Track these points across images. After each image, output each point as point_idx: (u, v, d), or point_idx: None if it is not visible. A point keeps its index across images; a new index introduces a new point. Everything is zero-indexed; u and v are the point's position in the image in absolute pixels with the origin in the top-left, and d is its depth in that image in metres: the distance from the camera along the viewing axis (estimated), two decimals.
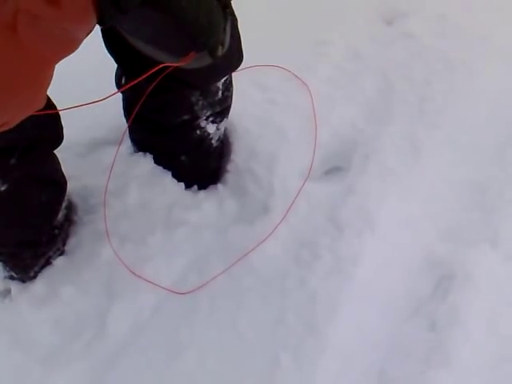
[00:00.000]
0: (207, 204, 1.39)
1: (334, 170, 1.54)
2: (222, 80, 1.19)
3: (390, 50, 1.69)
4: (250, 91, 1.53)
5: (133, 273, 1.25)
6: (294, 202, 1.36)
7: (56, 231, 1.28)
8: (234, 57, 1.12)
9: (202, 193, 1.41)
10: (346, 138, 1.51)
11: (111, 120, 1.43)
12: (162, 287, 1.25)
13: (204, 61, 0.96)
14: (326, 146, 1.50)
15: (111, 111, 1.37)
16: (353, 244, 1.29)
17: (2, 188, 1.08)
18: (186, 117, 1.22)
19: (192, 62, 0.92)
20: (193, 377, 1.17)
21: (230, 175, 1.45)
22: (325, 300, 1.23)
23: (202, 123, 1.26)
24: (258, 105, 1.52)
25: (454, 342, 1.19)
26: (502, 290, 1.27)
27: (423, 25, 1.76)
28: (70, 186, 1.28)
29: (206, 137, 1.30)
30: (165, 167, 1.37)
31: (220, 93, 1.22)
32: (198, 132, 1.28)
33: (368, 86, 1.61)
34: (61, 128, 1.16)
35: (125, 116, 1.30)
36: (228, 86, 1.24)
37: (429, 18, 1.78)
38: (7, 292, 1.31)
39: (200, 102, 1.19)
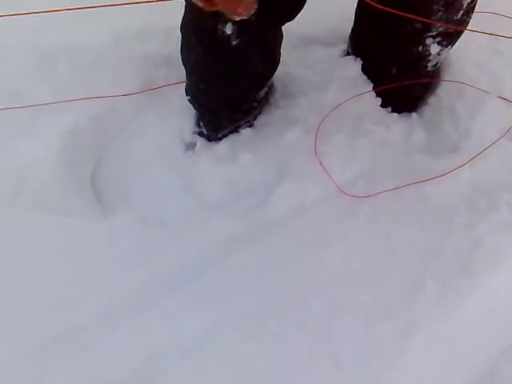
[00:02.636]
0: (397, 126, 1.38)
1: None
2: (469, 0, 1.16)
3: None
4: (478, 35, 1.47)
5: (320, 162, 1.29)
6: (485, 149, 1.31)
7: (255, 104, 1.36)
8: None
9: (396, 115, 1.41)
10: None
11: (333, 23, 1.47)
12: (335, 183, 1.27)
13: None
14: None
15: (335, 15, 1.41)
16: None
17: (234, 42, 1.16)
18: (418, 25, 1.20)
19: None
20: (332, 270, 1.19)
21: (429, 108, 1.43)
22: (489, 249, 1.17)
23: (428, 40, 1.25)
24: (483, 50, 1.46)
25: None
26: None
27: None
28: None
29: (425, 56, 1.29)
30: (370, 77, 1.38)
31: (461, 13, 1.19)
32: (420, 48, 1.26)
33: None
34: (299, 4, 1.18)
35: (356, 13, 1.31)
36: (470, 11, 1.21)
37: None
38: (192, 145, 1.42)
39: (439, 14, 1.17)
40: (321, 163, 1.29)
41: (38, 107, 1.37)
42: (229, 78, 1.25)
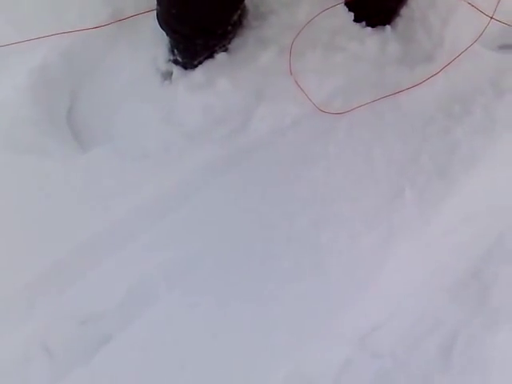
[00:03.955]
0: (371, 40, 1.38)
1: (509, 47, 1.44)
2: None
3: None
4: None
5: (295, 81, 1.28)
6: (457, 56, 1.31)
7: (229, 28, 1.34)
8: None
9: (369, 29, 1.40)
10: None
11: None
12: (312, 102, 1.28)
13: None
14: (508, 15, 1.40)
15: None
16: (509, 109, 1.23)
17: None
18: None
19: None
20: (314, 187, 1.22)
21: (402, 20, 1.42)
22: (465, 153, 1.21)
23: None
24: None
25: None
26: None
27: None
28: None
29: None
30: None
31: None
32: None
33: None
34: None
35: None
36: None
37: None
38: (168, 75, 1.41)
39: None
40: (296, 82, 1.30)
41: (4, 48, 1.34)
42: (201, 1, 1.22)
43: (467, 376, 1.06)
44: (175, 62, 1.39)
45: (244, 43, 1.38)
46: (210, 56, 1.37)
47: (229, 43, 1.37)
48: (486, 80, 1.30)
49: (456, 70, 1.32)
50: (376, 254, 1.14)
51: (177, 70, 1.39)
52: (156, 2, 1.29)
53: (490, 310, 1.13)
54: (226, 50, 1.38)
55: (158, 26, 1.33)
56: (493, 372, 1.04)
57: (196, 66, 1.37)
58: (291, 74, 1.30)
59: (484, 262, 1.17)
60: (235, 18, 1.33)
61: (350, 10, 1.39)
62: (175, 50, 1.37)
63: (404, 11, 1.42)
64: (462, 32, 1.37)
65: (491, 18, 1.35)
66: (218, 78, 1.33)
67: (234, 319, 1.10)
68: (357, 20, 1.40)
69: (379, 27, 1.41)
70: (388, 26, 1.41)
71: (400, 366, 1.09)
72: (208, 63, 1.37)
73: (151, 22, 1.38)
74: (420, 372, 1.09)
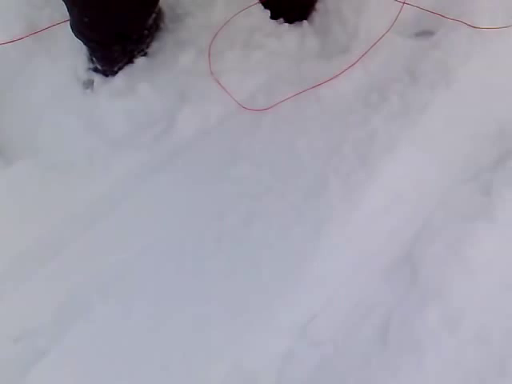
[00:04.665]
0: (289, 36, 1.40)
1: (425, 34, 1.48)
2: None
3: None
4: None
5: (216, 80, 1.30)
6: (373, 45, 1.35)
7: (146, 32, 1.34)
8: None
9: (287, 25, 1.42)
10: None
11: None
12: (235, 100, 1.29)
13: None
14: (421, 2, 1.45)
15: None
16: (424, 93, 1.27)
17: None
18: None
19: None
20: (242, 184, 1.23)
21: (318, 14, 1.45)
22: (384, 139, 1.24)
23: None
24: None
25: (503, 203, 1.18)
26: None
27: None
28: None
29: None
30: None
31: None
32: None
33: None
34: None
35: None
36: None
37: None
38: (90, 83, 1.40)
39: None
40: (218, 82, 1.31)
41: None
42: (111, 7, 1.22)
43: (403, 357, 1.08)
44: (95, 69, 1.38)
45: (163, 46, 1.38)
46: (130, 61, 1.37)
47: (147, 47, 1.38)
48: (402, 67, 1.34)
49: (372, 59, 1.36)
50: (307, 244, 1.16)
51: (98, 78, 1.39)
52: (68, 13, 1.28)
53: (421, 290, 1.16)
54: (145, 55, 1.38)
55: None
56: (426, 350, 1.07)
57: (116, 73, 1.37)
58: (212, 74, 1.31)
59: (414, 243, 1.20)
60: (150, 21, 1.33)
61: (265, 7, 1.40)
62: (94, 58, 1.37)
63: (319, 5, 1.45)
64: (376, 21, 1.41)
65: (403, 3, 1.38)
66: (139, 83, 1.33)
67: (171, 320, 1.10)
68: (273, 17, 1.42)
69: (296, 23, 1.44)
70: (305, 21, 1.44)
71: (340, 352, 1.11)
72: (128, 69, 1.37)
73: (68, 32, 1.36)
74: (359, 356, 1.11)
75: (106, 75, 1.37)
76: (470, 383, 1.02)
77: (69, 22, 1.32)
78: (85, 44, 1.34)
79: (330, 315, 1.14)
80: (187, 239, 1.17)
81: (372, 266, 1.19)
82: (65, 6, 1.27)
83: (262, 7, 1.41)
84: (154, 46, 1.38)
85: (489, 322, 1.07)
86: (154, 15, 1.34)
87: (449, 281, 1.12)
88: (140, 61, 1.37)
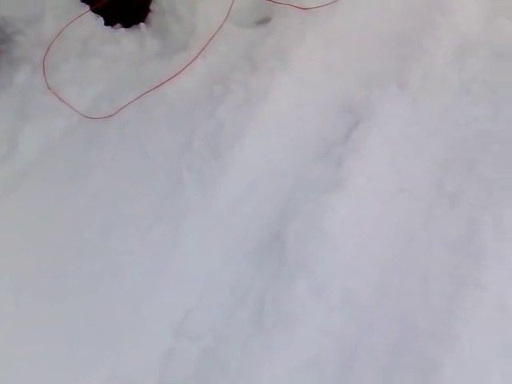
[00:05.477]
0: (127, 40, 1.39)
1: (264, 21, 1.52)
2: None
3: None
4: None
5: (55, 94, 1.26)
6: (211, 39, 1.36)
7: None
8: None
9: (123, 30, 1.41)
10: None
11: None
12: (76, 111, 1.26)
13: None
14: None
15: None
16: (265, 79, 1.30)
17: None
18: None
19: None
20: (96, 193, 1.20)
21: (154, 15, 1.45)
22: (231, 129, 1.25)
23: None
24: None
25: (352, 174, 1.21)
26: (404, 128, 1.28)
27: None
28: None
29: None
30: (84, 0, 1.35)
31: None
32: None
33: None
34: None
35: None
36: None
37: None
38: None
39: None
40: (57, 95, 1.27)
41: None
42: None
43: (276, 333, 1.09)
44: None
45: None
46: None
47: None
48: (242, 56, 1.36)
49: (212, 52, 1.37)
50: (169, 243, 1.15)
51: None
52: None
53: (289, 267, 1.17)
54: None
55: None
56: (297, 322, 1.08)
57: None
58: (49, 88, 1.27)
59: (279, 223, 1.21)
60: None
61: (98, 15, 1.38)
62: None
63: (154, 6, 1.45)
64: (212, 15, 1.42)
65: None
66: None
67: (39, 340, 1.05)
68: (109, 24, 1.40)
69: (134, 26, 1.42)
70: (142, 24, 1.43)
71: (220, 341, 1.10)
72: None
73: None
74: (238, 342, 1.10)
75: None
76: (342, 345, 1.03)
77: None
78: None
79: (205, 307, 1.13)
80: (43, 261, 1.12)
81: (241, 252, 1.19)
82: None
83: (95, 15, 1.38)
84: None
85: (354, 285, 1.10)
86: None
87: (313, 253, 1.13)
88: None
